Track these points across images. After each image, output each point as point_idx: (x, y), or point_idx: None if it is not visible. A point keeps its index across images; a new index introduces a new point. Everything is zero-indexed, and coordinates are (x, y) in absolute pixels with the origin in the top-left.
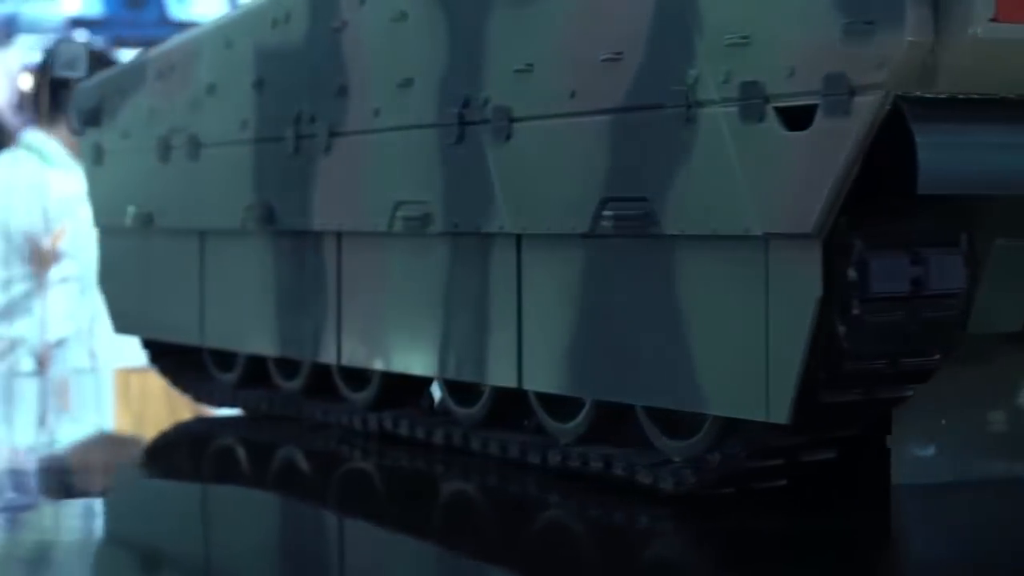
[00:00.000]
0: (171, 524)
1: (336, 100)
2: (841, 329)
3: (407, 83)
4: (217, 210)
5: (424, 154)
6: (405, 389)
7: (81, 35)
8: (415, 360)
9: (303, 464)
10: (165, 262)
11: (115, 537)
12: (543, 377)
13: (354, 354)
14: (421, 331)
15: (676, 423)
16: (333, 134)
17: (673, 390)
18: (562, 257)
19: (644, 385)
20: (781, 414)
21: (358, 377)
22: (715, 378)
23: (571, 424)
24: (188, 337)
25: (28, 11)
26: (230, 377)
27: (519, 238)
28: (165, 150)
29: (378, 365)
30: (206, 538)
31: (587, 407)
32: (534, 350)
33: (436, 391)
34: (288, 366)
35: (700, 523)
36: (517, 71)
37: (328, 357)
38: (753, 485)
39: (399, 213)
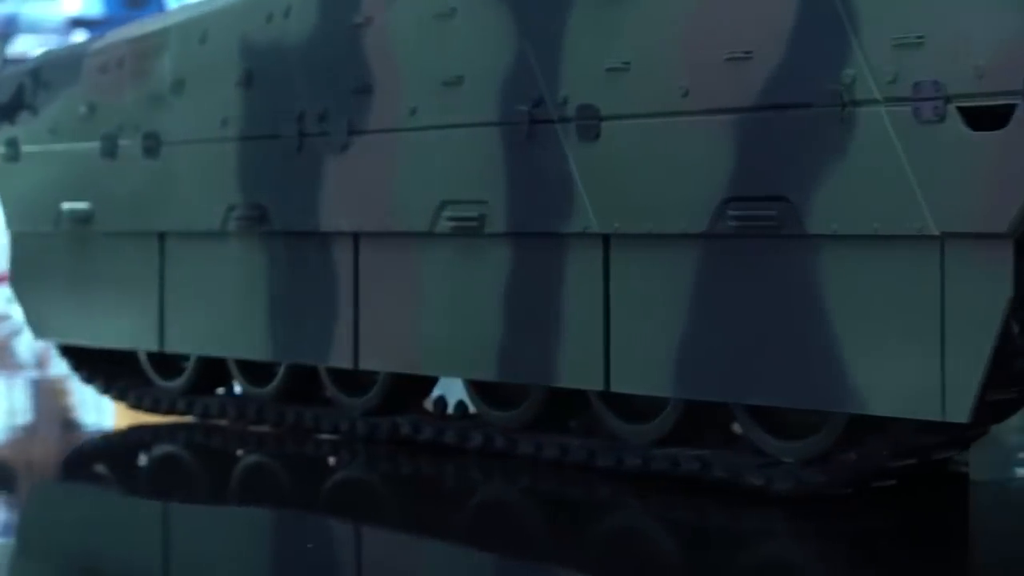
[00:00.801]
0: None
1: (356, 98)
2: (1016, 328)
3: (456, 81)
4: (186, 210)
5: (479, 153)
6: (409, 393)
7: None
8: (460, 363)
9: (361, 473)
10: (108, 265)
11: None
12: (639, 379)
13: (375, 358)
14: (470, 333)
15: (779, 425)
16: (352, 132)
17: (814, 391)
18: (666, 257)
19: (772, 386)
20: (961, 413)
21: (348, 382)
22: (873, 379)
23: (647, 426)
24: (140, 343)
25: (28, 11)
26: (176, 384)
27: (606, 238)
28: (111, 148)
29: (408, 369)
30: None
31: (668, 409)
32: (627, 351)
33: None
34: (255, 371)
35: (818, 524)
36: (609, 70)
37: (340, 361)
38: (873, 485)
39: (445, 213)
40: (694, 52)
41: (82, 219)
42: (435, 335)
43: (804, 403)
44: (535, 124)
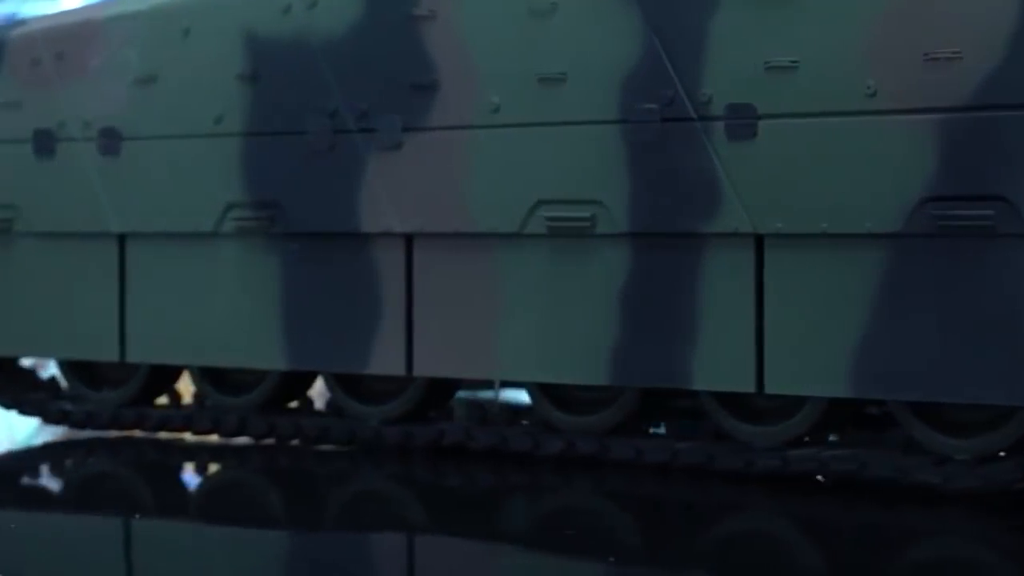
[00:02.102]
0: None
1: (413, 94)
2: None
3: (557, 78)
4: (161, 211)
5: (590, 151)
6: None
7: None
8: (554, 367)
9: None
10: (40, 270)
11: None
12: (801, 379)
13: (433, 363)
14: (571, 337)
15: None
16: (407, 129)
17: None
18: (842, 257)
19: (975, 384)
20: None
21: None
22: None
23: (778, 427)
24: (91, 352)
25: (27, 11)
26: (116, 395)
27: (760, 238)
28: (46, 144)
29: (481, 374)
30: None
31: (807, 408)
32: (786, 352)
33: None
34: (220, 379)
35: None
36: (771, 68)
37: (386, 368)
38: None
39: (541, 213)
40: (883, 52)
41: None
42: (521, 339)
43: (1010, 399)
44: (667, 123)
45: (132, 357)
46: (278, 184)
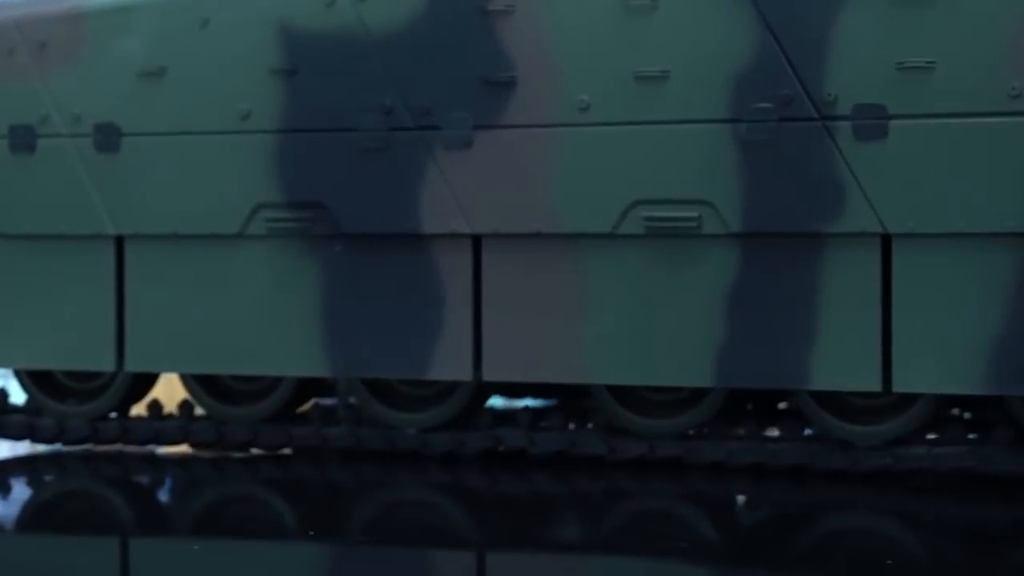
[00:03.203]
0: None
1: (486, 91)
2: None
3: (658, 75)
4: (172, 211)
5: (696, 151)
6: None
7: None
8: (651, 369)
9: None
10: (15, 276)
11: None
12: (932, 377)
13: (508, 368)
14: (670, 338)
15: None
16: (478, 127)
17: None
18: (977, 255)
19: None
20: None
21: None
22: None
23: (881, 427)
24: (79, 362)
25: None
26: (88, 407)
27: (886, 238)
28: (25, 140)
29: (565, 378)
30: None
31: (917, 406)
32: (917, 350)
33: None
34: (216, 386)
35: None
36: (903, 68)
37: (450, 373)
38: None
39: (638, 213)
40: None
41: None
42: (611, 341)
43: None
44: (785, 122)
45: (132, 366)
46: (320, 184)
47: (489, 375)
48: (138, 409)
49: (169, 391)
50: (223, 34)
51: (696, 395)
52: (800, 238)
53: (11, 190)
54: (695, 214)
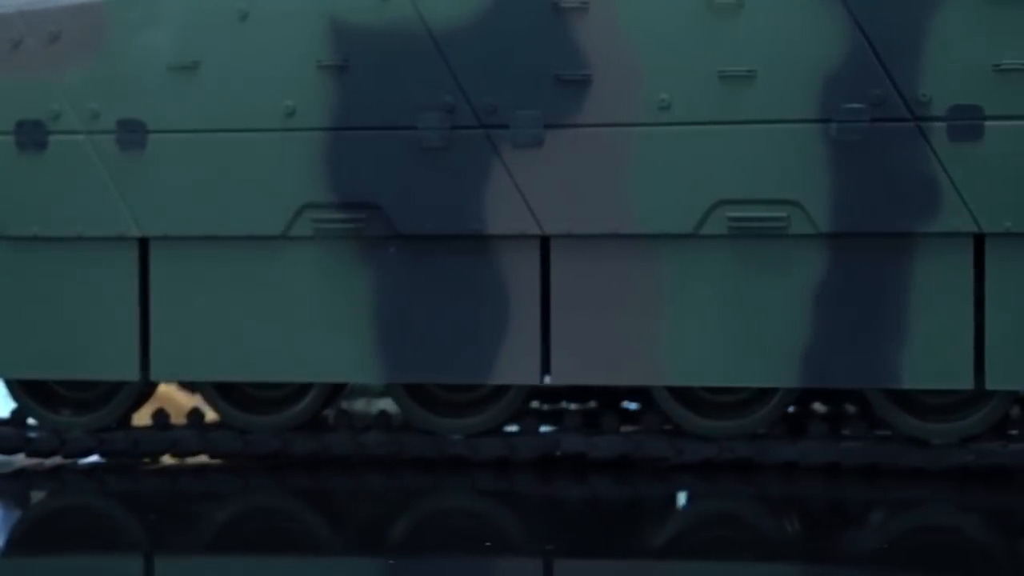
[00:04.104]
0: None
1: (558, 89)
2: None
3: (744, 75)
4: (203, 212)
5: (783, 151)
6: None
7: None
8: (730, 370)
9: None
10: (24, 281)
11: None
12: None
13: (578, 371)
14: (754, 339)
15: None
16: (548, 126)
17: None
18: None
19: None
20: None
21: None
22: None
23: (958, 425)
24: (98, 372)
25: None
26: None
27: (979, 237)
28: (35, 137)
29: (639, 381)
30: None
31: (992, 404)
32: (1011, 348)
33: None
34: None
35: None
36: (1000, 70)
37: (515, 377)
38: None
39: (723, 213)
40: None
41: None
42: (691, 342)
43: None
44: (877, 122)
45: (157, 375)
46: (374, 183)
47: (557, 378)
48: (141, 419)
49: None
50: (265, 28)
51: (758, 396)
52: (891, 238)
53: (18, 190)
54: (783, 214)
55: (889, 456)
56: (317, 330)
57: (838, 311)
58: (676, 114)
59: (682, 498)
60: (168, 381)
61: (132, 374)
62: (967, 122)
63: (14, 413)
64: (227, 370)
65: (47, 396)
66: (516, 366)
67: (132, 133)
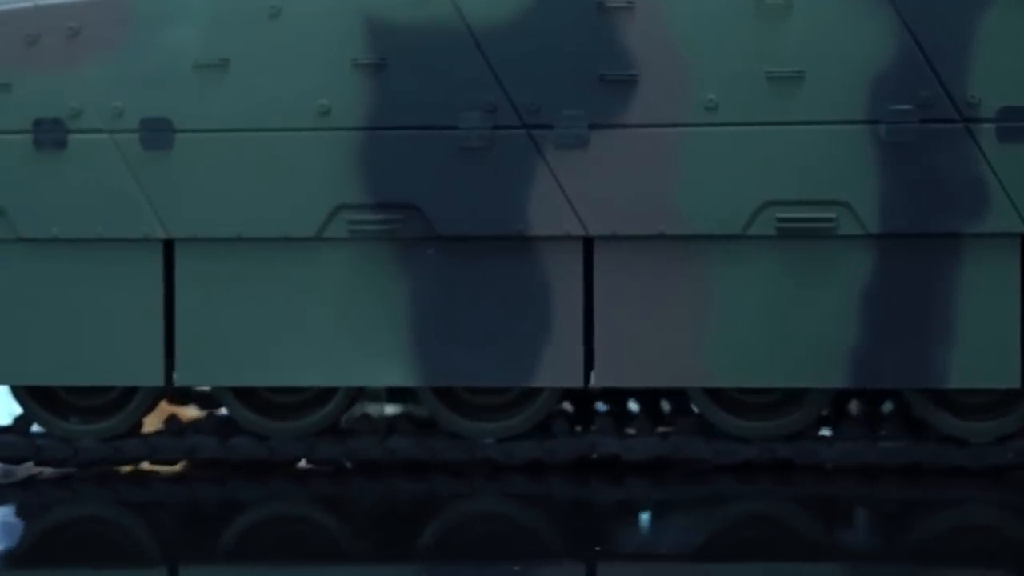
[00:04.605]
0: None
1: (603, 89)
2: None
3: (792, 76)
4: (233, 213)
5: (831, 151)
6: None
7: None
8: (793, 371)
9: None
10: (42, 284)
11: None
12: None
13: (624, 373)
14: (800, 340)
15: None
16: (593, 126)
17: None
18: None
19: None
20: None
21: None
22: None
23: (995, 423)
24: (118, 377)
25: None
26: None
27: None
28: (54, 136)
29: (685, 382)
30: None
31: None
32: None
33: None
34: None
35: None
36: None
37: (562, 379)
38: None
39: (770, 214)
40: None
41: None
42: (738, 344)
43: None
44: (925, 124)
45: (182, 380)
46: (412, 184)
47: (600, 381)
48: (151, 425)
49: None
50: (298, 26)
51: (791, 397)
52: (938, 238)
53: (36, 190)
54: (832, 215)
55: (930, 456)
56: (351, 333)
57: (885, 311)
58: (723, 115)
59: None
60: (194, 386)
61: (156, 379)
62: (1016, 124)
63: (18, 420)
64: (257, 374)
65: (52, 402)
66: (559, 368)
67: (158, 132)
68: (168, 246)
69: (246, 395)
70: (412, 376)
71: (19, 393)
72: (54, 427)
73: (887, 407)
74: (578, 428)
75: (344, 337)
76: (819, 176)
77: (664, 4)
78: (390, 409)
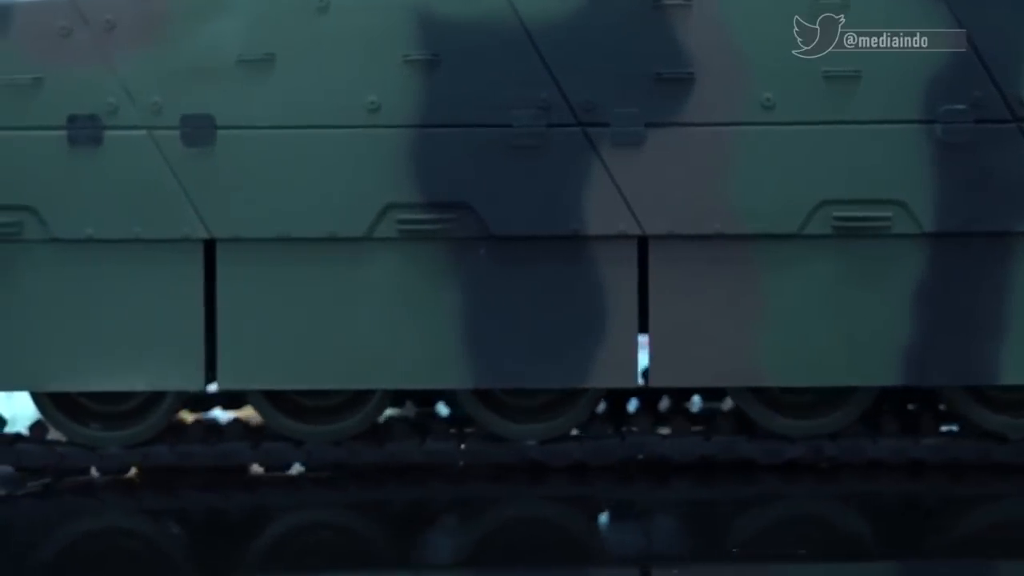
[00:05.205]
0: None
1: (658, 87)
2: None
3: (848, 75)
4: (279, 212)
5: (886, 151)
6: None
7: None
8: (849, 370)
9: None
10: (75, 285)
11: None
12: None
13: (679, 373)
14: (861, 338)
15: None
16: (649, 125)
17: None
18: None
19: None
20: None
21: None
22: None
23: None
24: (155, 381)
25: None
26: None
27: None
28: (89, 132)
29: (745, 382)
30: None
31: None
32: None
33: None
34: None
35: None
36: None
37: (616, 380)
38: None
39: (826, 213)
40: None
41: (13, 227)
42: (793, 343)
43: None
44: (980, 124)
45: (224, 383)
46: (465, 182)
47: (656, 381)
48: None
49: None
50: (347, 20)
51: (831, 395)
52: (992, 237)
53: (70, 189)
54: (888, 214)
55: (972, 453)
56: (401, 334)
57: (940, 309)
58: (780, 114)
59: None
60: (237, 389)
61: (196, 383)
62: None
63: (34, 427)
64: (302, 377)
65: (70, 408)
66: (612, 369)
67: (200, 129)
68: (209, 246)
69: (277, 398)
70: (464, 378)
71: (40, 399)
72: (75, 434)
73: (911, 406)
74: (624, 428)
75: (394, 338)
76: (875, 175)
77: (721, 2)
78: (405, 412)
